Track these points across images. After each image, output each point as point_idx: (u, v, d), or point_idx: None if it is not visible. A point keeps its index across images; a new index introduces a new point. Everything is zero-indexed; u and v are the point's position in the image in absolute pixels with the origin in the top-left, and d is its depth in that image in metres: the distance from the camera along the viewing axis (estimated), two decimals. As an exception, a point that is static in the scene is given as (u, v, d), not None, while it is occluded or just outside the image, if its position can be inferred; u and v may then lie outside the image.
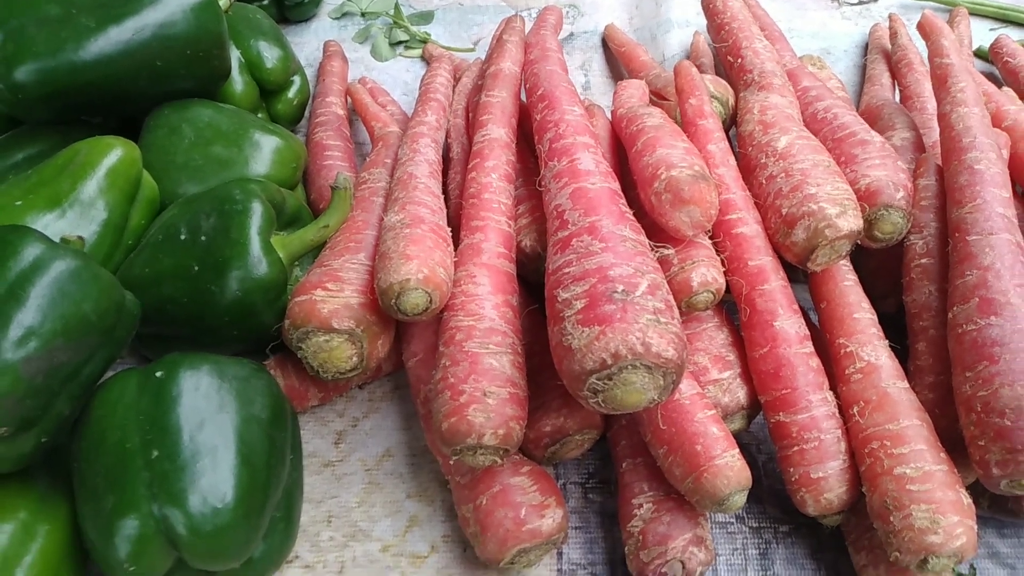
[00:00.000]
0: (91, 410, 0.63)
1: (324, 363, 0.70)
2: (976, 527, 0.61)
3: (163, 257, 0.74)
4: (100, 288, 0.63)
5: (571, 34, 1.16)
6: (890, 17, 1.09)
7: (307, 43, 1.16)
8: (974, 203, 0.72)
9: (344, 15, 1.20)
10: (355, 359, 0.70)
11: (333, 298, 0.69)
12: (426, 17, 1.19)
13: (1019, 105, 0.88)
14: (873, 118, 0.94)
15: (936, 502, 0.60)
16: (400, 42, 1.15)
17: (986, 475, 0.62)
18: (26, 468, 0.64)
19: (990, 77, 1.07)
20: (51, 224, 0.72)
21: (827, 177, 0.72)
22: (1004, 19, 1.16)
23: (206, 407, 0.63)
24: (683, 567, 0.65)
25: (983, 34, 1.15)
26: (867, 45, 1.13)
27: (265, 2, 1.15)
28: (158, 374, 0.63)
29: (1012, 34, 1.14)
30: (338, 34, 1.18)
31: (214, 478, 0.60)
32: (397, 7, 1.17)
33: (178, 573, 0.62)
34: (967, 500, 0.62)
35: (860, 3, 1.20)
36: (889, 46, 1.07)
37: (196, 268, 0.72)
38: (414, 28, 1.16)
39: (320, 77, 1.07)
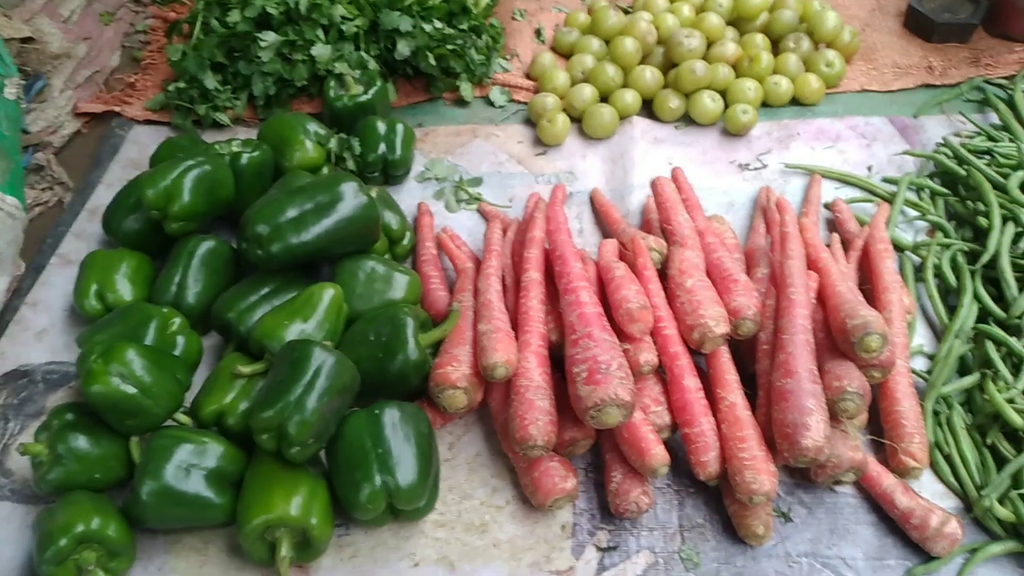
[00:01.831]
0: (343, 429, 1.26)
1: (449, 405, 1.33)
2: (776, 485, 1.24)
3: (360, 348, 1.36)
4: (348, 369, 1.26)
5: (571, 193, 1.82)
6: (764, 188, 1.75)
7: (402, 199, 1.80)
8: (788, 317, 1.36)
9: (425, 179, 1.86)
10: (466, 402, 1.34)
11: (456, 371, 1.33)
12: (477, 181, 1.85)
13: (828, 253, 1.52)
14: (750, 257, 1.59)
15: (757, 470, 1.23)
16: (462, 200, 1.81)
17: (781, 457, 1.26)
18: (306, 460, 1.26)
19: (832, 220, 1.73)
20: (304, 332, 1.35)
21: (711, 304, 1.36)
22: (844, 181, 1.82)
23: (399, 426, 1.25)
24: (636, 506, 1.28)
25: (831, 191, 1.81)
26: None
27: (376, 174, 1.80)
28: (376, 411, 1.26)
29: (849, 191, 1.81)
30: (422, 193, 1.83)
31: (407, 463, 1.23)
32: (460, 176, 1.84)
33: (386, 512, 1.25)
34: (774, 469, 1.25)
35: (755, 169, 1.87)
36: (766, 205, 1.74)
37: (380, 355, 1.35)
38: (471, 189, 1.82)
39: (417, 227, 1.72)
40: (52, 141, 1.93)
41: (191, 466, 1.23)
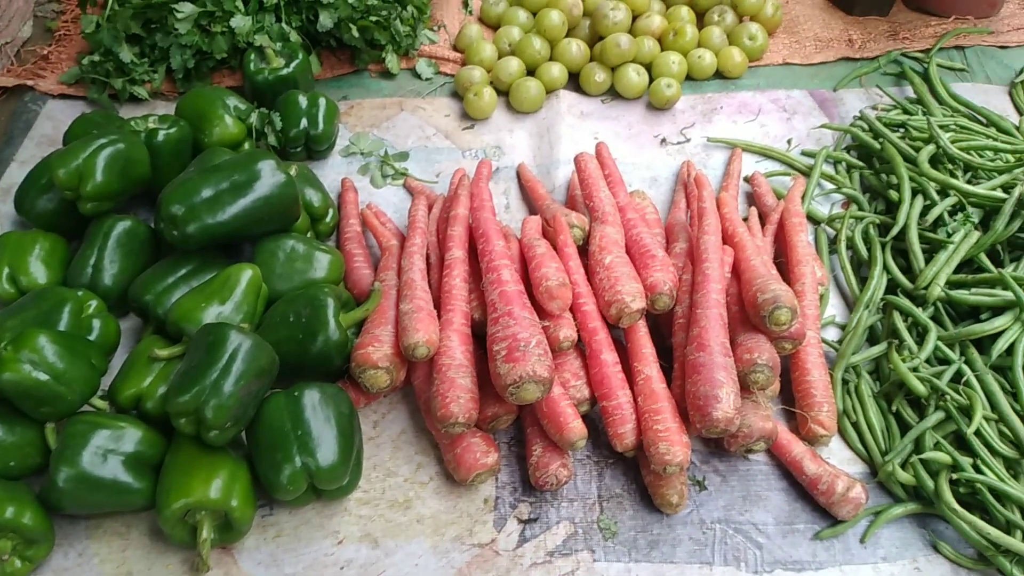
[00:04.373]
0: (263, 412, 1.26)
1: (372, 384, 1.34)
2: (689, 455, 1.28)
3: (281, 330, 1.35)
4: (266, 352, 1.25)
5: (497, 168, 1.82)
6: (686, 163, 1.78)
7: (326, 175, 1.78)
8: (702, 291, 1.39)
9: (350, 154, 1.84)
10: (388, 382, 1.34)
11: (378, 351, 1.33)
12: (403, 156, 1.83)
13: (744, 227, 1.55)
14: (670, 231, 1.62)
15: (670, 441, 1.26)
16: (388, 175, 1.80)
17: (694, 428, 1.29)
18: (226, 443, 1.26)
19: (752, 193, 1.77)
20: (222, 314, 1.34)
21: (628, 280, 1.39)
22: (765, 155, 1.86)
23: (320, 407, 1.26)
24: (556, 478, 1.31)
25: (752, 165, 1.85)
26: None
27: (299, 149, 1.78)
28: (296, 393, 1.26)
29: (769, 164, 1.85)
30: (347, 168, 1.82)
31: (327, 443, 1.23)
32: (385, 150, 1.83)
33: (309, 492, 1.26)
34: (687, 440, 1.29)
35: (678, 143, 1.89)
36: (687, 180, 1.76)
37: (300, 336, 1.34)
38: (396, 164, 1.81)
39: (341, 204, 1.70)
40: (-40, 116, 1.86)
41: (108, 451, 1.22)
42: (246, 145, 1.70)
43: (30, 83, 1.95)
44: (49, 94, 1.94)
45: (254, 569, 1.25)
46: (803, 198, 1.69)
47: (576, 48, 1.97)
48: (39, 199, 1.57)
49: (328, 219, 1.63)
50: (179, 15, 1.80)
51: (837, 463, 1.37)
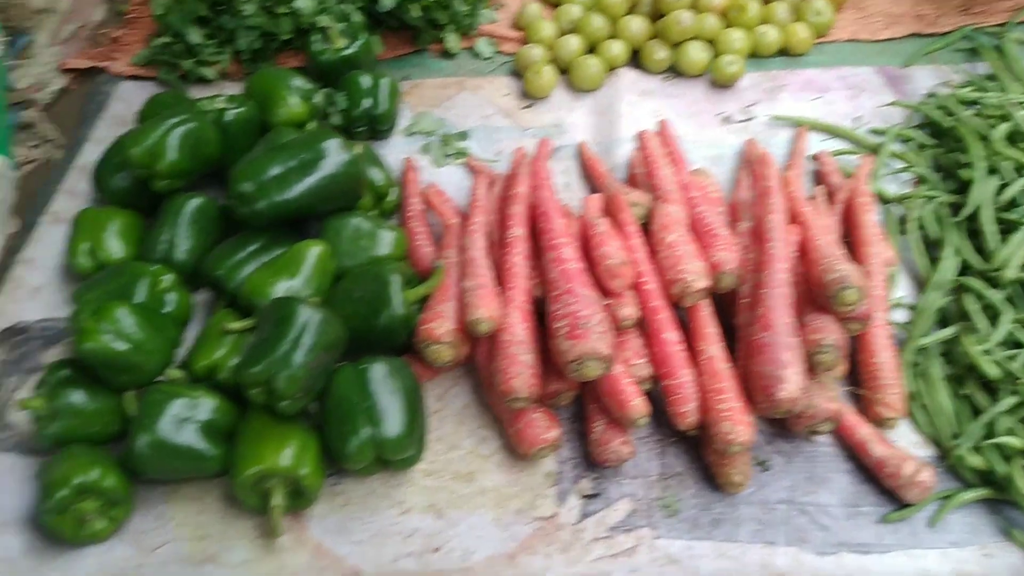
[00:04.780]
0: (332, 384, 1.29)
1: (435, 359, 1.36)
2: (754, 435, 1.27)
3: (347, 305, 1.38)
4: (335, 325, 1.28)
5: (558, 147, 1.81)
6: (750, 141, 1.76)
7: (388, 154, 1.79)
8: (767, 271, 1.38)
9: (411, 134, 1.86)
10: (452, 357, 1.36)
11: (441, 326, 1.35)
12: (464, 135, 1.84)
13: (811, 206, 1.53)
14: (734, 210, 1.60)
15: (734, 421, 1.26)
16: (449, 154, 1.81)
17: (758, 408, 1.29)
18: (296, 414, 1.30)
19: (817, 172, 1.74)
20: (291, 289, 1.37)
21: (691, 259, 1.38)
22: (831, 133, 1.81)
23: (386, 380, 1.28)
24: (617, 455, 1.32)
25: (818, 143, 1.80)
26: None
27: (362, 128, 1.80)
28: (363, 366, 1.29)
29: (836, 143, 1.81)
30: (408, 147, 1.83)
31: (394, 415, 1.26)
32: (446, 129, 1.84)
33: (376, 462, 1.29)
34: (751, 420, 1.28)
35: (741, 121, 1.86)
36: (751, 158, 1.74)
37: (366, 311, 1.37)
38: (457, 144, 1.82)
39: (404, 183, 1.72)
40: (39, 98, 1.93)
41: (184, 419, 1.27)
42: (311, 125, 1.73)
43: (103, 65, 2.01)
44: (121, 76, 2.00)
45: (322, 536, 1.29)
46: (872, 177, 1.66)
47: (637, 25, 1.95)
48: (114, 177, 1.63)
49: (391, 198, 1.65)
50: (246, -4, 1.83)
51: (905, 446, 1.35)
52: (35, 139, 1.87)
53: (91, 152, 1.81)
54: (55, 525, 1.22)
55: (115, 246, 1.53)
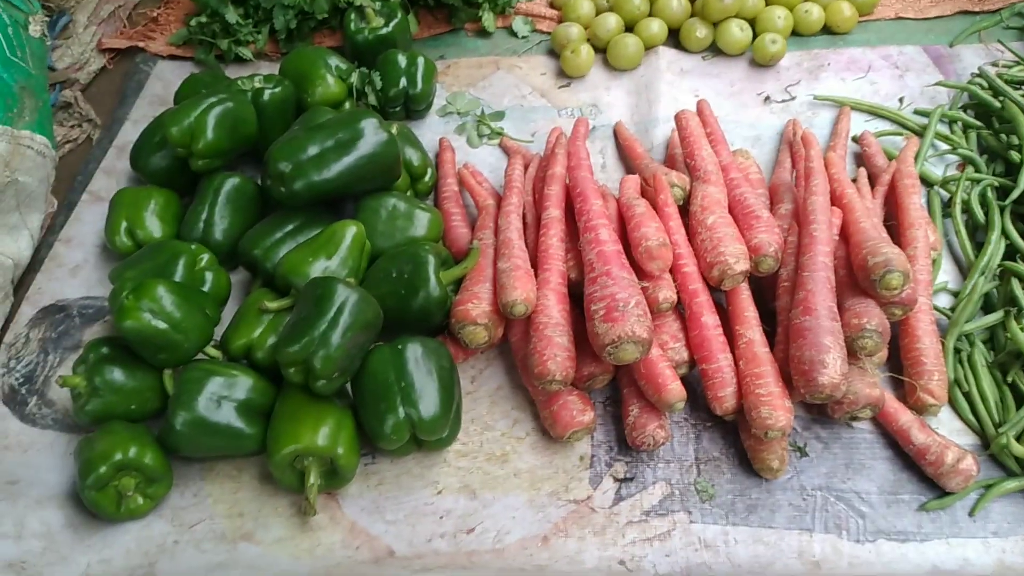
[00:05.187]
0: (368, 363, 1.29)
1: (470, 340, 1.36)
2: (792, 421, 1.25)
3: (383, 285, 1.38)
4: (371, 305, 1.28)
5: (594, 127, 1.80)
6: (791, 121, 1.72)
7: (423, 134, 1.79)
8: (809, 254, 1.35)
9: (447, 113, 1.85)
10: (487, 338, 1.36)
11: (476, 308, 1.35)
12: (499, 115, 1.83)
13: (853, 188, 1.50)
14: (774, 191, 1.58)
15: (772, 406, 1.24)
16: (484, 134, 1.80)
17: (798, 393, 1.27)
18: (332, 393, 1.30)
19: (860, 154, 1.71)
20: (328, 269, 1.38)
21: (731, 241, 1.36)
22: (875, 114, 1.78)
23: (422, 360, 1.28)
24: (653, 439, 1.31)
25: (860, 124, 1.77)
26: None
27: (398, 108, 1.80)
28: (399, 346, 1.29)
29: (879, 124, 1.77)
30: (444, 128, 1.83)
31: (429, 395, 1.26)
32: (481, 109, 1.83)
33: (410, 442, 1.29)
34: (790, 405, 1.26)
35: (783, 101, 1.83)
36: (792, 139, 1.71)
37: (402, 292, 1.37)
38: (492, 124, 1.81)
39: (439, 163, 1.72)
40: (78, 78, 1.95)
41: (222, 397, 1.28)
42: (347, 104, 1.73)
43: (141, 45, 2.02)
44: (159, 55, 2.01)
45: (357, 515, 1.30)
46: (916, 159, 1.62)
47: (677, 3, 1.92)
48: (153, 156, 1.64)
49: (427, 178, 1.65)
50: (282, -24, 1.83)
51: (946, 433, 1.32)
52: (74, 119, 1.89)
53: (129, 132, 1.83)
54: (96, 501, 1.24)
55: (153, 225, 1.55)
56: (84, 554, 1.27)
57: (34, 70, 1.65)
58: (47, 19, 1.88)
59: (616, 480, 1.32)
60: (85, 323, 1.54)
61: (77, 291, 1.59)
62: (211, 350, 1.38)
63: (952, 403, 1.37)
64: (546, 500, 1.30)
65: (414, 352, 1.29)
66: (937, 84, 1.81)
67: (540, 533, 1.27)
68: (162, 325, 1.29)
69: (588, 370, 1.34)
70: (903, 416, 1.31)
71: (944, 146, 1.69)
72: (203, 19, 1.93)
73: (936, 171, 1.65)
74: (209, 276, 1.45)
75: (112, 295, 1.37)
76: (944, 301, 1.48)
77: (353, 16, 1.83)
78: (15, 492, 1.32)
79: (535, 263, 1.40)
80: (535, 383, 1.30)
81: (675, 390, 1.27)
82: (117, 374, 1.32)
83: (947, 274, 1.52)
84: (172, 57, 2.00)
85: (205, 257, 1.46)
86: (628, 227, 1.39)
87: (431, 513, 1.30)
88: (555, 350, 1.28)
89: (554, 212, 1.45)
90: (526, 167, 1.65)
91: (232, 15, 1.89)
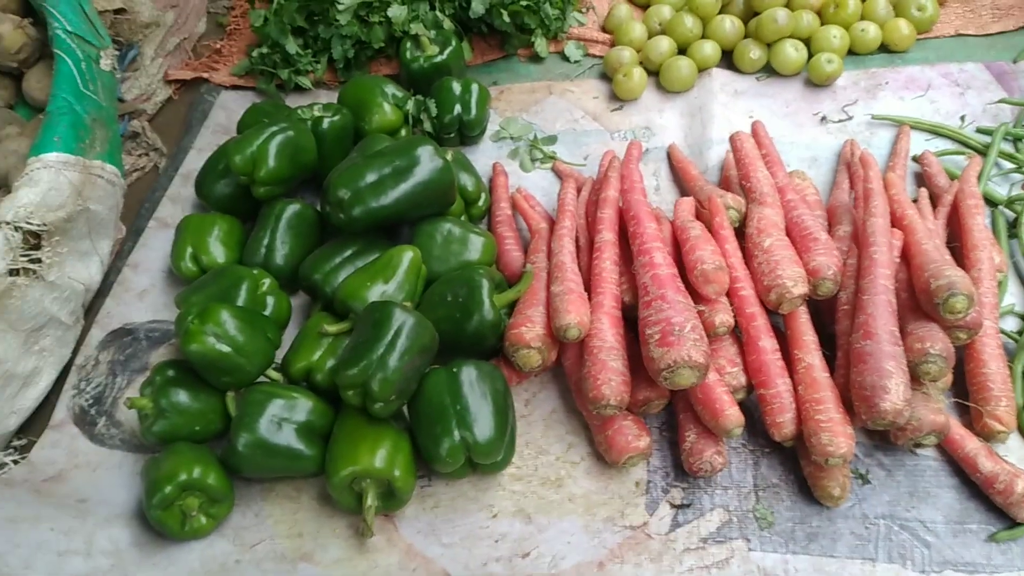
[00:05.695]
0: (424, 387, 1.31)
1: (524, 364, 1.36)
2: (853, 447, 1.23)
3: (438, 309, 1.40)
4: (427, 329, 1.30)
5: (647, 149, 1.80)
6: (849, 141, 1.70)
7: (477, 159, 1.81)
8: (869, 277, 1.33)
9: (500, 139, 1.87)
10: (540, 361, 1.36)
11: (530, 331, 1.35)
12: (552, 140, 1.85)
13: (914, 209, 1.47)
14: (832, 213, 1.56)
15: (833, 432, 1.22)
16: (537, 159, 1.81)
17: (859, 419, 1.24)
18: (390, 416, 1.32)
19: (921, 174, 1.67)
20: (386, 293, 1.40)
21: (789, 264, 1.34)
22: (935, 132, 1.74)
23: (477, 384, 1.29)
24: (711, 465, 1.29)
25: (921, 144, 1.74)
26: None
27: (453, 134, 1.83)
28: (454, 369, 1.31)
29: (940, 143, 1.73)
30: (497, 153, 1.85)
31: (484, 419, 1.27)
32: (534, 134, 1.84)
33: (466, 465, 1.30)
34: (851, 431, 1.24)
35: (839, 121, 1.81)
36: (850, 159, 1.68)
37: (457, 315, 1.38)
38: (545, 148, 1.82)
39: (492, 188, 1.74)
40: (146, 108, 2.02)
41: (283, 420, 1.30)
42: (403, 131, 1.76)
43: (205, 75, 2.09)
44: (222, 85, 2.07)
45: (413, 537, 1.31)
46: (979, 178, 1.58)
47: (730, 24, 1.91)
48: (217, 184, 1.69)
49: (481, 203, 1.67)
50: (340, 7, 1.88)
51: (1015, 461, 1.28)
52: (141, 148, 1.96)
53: (194, 160, 1.89)
54: (161, 520, 1.28)
55: (217, 250, 1.59)
56: (150, 572, 1.30)
57: (105, 102, 1.72)
58: (117, 53, 1.96)
59: (673, 506, 1.31)
60: (152, 346, 1.59)
61: (144, 315, 1.64)
62: (272, 373, 1.41)
63: (1021, 430, 1.32)
64: (601, 525, 1.30)
65: (469, 375, 1.30)
66: (1000, 101, 1.77)
67: (596, 559, 1.26)
68: (226, 349, 1.33)
69: (643, 395, 1.33)
70: (969, 443, 1.28)
71: (1008, 165, 1.65)
72: (264, 50, 1.98)
73: (1000, 191, 1.61)
74: (271, 300, 1.49)
75: (178, 319, 1.41)
76: (1011, 324, 1.44)
77: (409, 45, 1.87)
78: (85, 510, 1.37)
79: (588, 287, 1.41)
80: (589, 407, 1.30)
81: (733, 415, 1.26)
82: (182, 396, 1.36)
83: (1014, 296, 1.48)
84: (235, 87, 2.06)
85: (267, 282, 1.50)
86: (683, 250, 1.39)
87: (486, 537, 1.30)
88: (609, 374, 1.28)
89: (607, 235, 1.45)
90: (579, 191, 1.65)
91: (292, 46, 1.95)
